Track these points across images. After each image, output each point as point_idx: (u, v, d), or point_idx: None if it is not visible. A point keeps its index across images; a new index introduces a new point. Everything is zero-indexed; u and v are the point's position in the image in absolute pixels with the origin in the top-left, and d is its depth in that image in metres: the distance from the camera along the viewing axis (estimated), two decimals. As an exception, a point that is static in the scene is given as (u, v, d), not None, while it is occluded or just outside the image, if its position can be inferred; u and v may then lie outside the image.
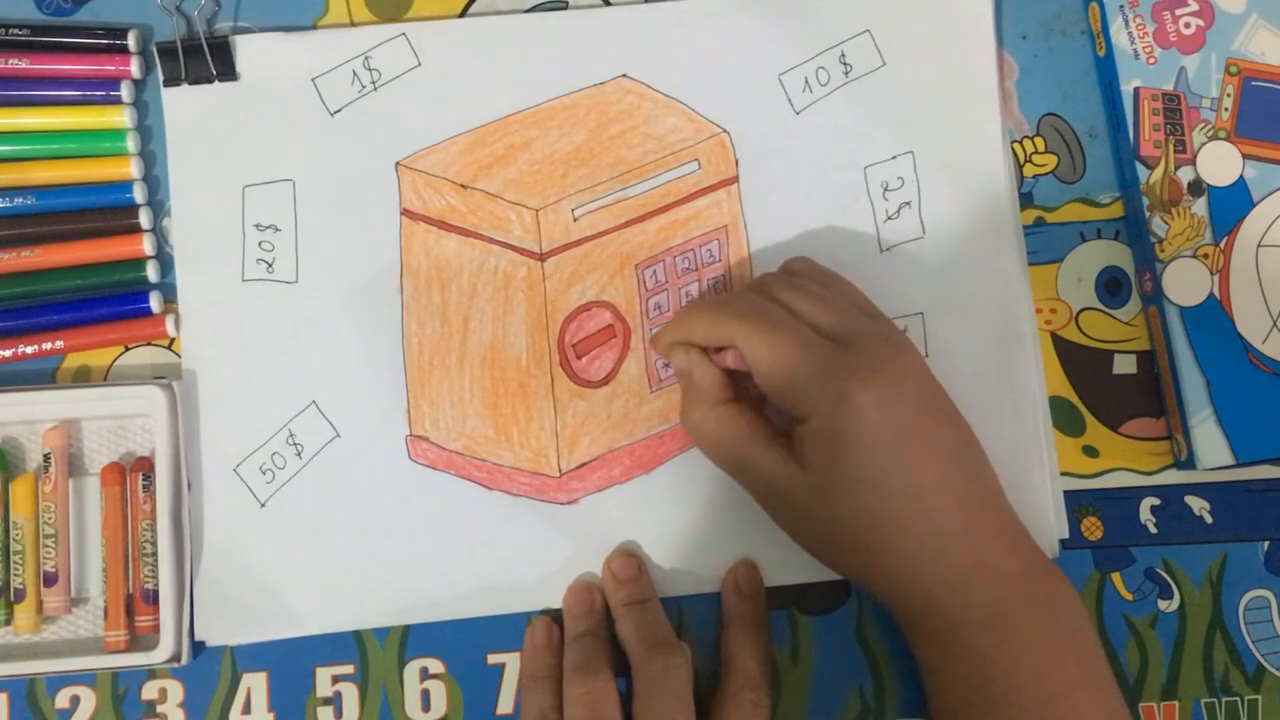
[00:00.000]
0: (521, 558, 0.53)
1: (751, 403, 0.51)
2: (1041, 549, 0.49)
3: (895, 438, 0.46)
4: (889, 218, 0.55)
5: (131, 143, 0.54)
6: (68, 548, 0.52)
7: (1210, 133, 0.54)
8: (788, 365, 0.47)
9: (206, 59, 0.55)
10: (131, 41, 0.54)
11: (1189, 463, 0.53)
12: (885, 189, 0.55)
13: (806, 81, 0.56)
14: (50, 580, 0.52)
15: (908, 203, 0.55)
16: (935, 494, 0.46)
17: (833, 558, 0.50)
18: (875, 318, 0.51)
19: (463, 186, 0.54)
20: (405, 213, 0.55)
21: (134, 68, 0.54)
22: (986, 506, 0.48)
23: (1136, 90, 0.54)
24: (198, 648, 0.53)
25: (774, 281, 0.51)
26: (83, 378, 0.54)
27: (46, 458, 0.52)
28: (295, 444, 0.54)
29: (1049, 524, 0.54)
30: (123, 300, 0.54)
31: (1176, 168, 0.54)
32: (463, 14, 0.56)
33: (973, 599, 0.46)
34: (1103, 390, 0.55)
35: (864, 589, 0.51)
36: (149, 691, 0.53)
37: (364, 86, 0.55)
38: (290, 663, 0.53)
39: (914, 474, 0.46)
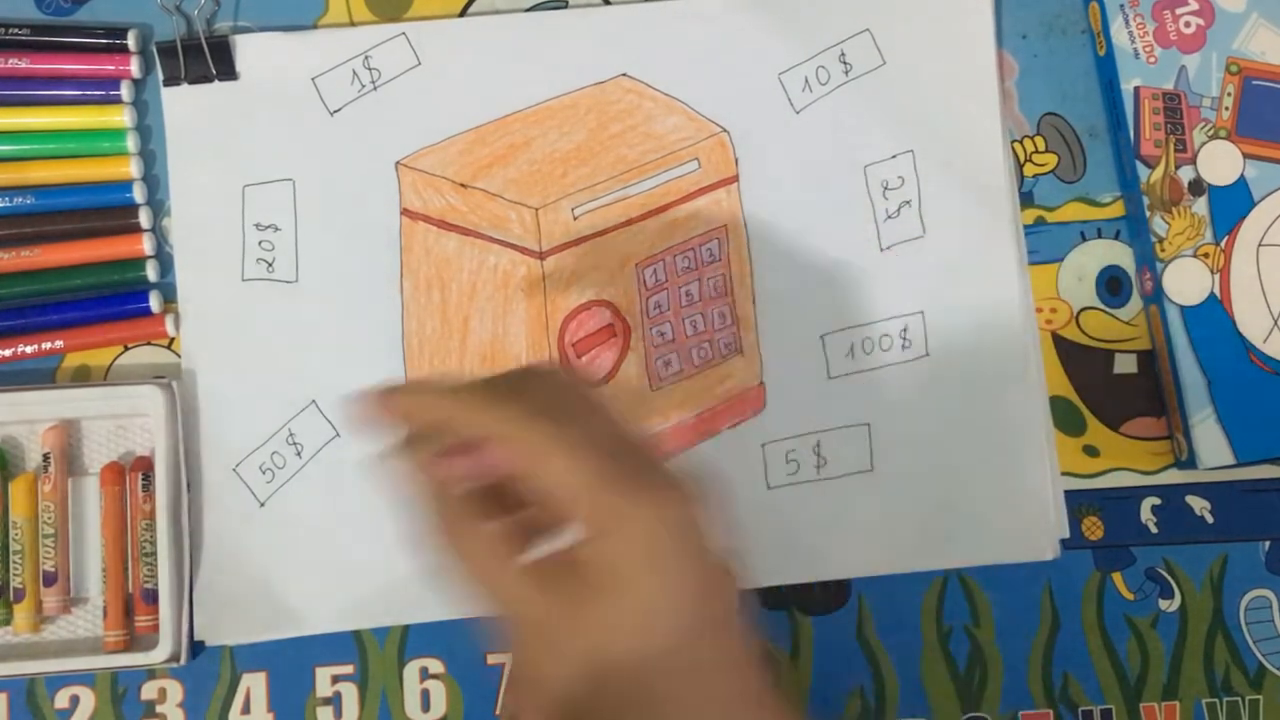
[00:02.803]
0: (521, 557, 0.53)
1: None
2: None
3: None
4: (889, 217, 0.55)
5: (131, 142, 0.54)
6: (67, 547, 0.52)
7: (1211, 132, 0.54)
8: (585, 471, 0.36)
9: (206, 59, 0.55)
10: (131, 41, 0.54)
11: (1190, 462, 0.53)
12: (885, 188, 0.55)
13: (806, 81, 0.56)
14: (49, 580, 0.52)
15: (908, 202, 0.55)
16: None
17: None
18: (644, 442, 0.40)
19: (463, 186, 0.54)
20: (405, 212, 0.55)
21: (134, 67, 0.54)
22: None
23: (1137, 89, 0.54)
24: (197, 648, 0.53)
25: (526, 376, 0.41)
26: (82, 377, 0.54)
27: (46, 457, 0.52)
28: (295, 444, 0.54)
29: (1049, 524, 0.54)
30: (122, 300, 0.54)
31: (1177, 167, 0.54)
32: (463, 14, 0.56)
33: None
34: (1103, 390, 0.55)
35: None
36: (148, 691, 0.53)
37: (364, 86, 0.55)
38: (290, 663, 0.53)
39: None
